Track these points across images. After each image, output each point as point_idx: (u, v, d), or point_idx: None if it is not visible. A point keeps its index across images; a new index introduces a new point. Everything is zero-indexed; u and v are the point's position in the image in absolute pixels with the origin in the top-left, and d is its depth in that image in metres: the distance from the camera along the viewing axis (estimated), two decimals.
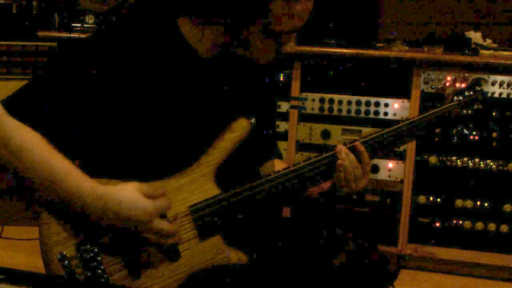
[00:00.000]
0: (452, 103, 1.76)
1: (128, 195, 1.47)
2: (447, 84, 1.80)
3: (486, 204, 3.13)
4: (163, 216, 1.51)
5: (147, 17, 1.59)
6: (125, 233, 1.49)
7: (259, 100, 1.76)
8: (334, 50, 3.18)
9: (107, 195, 1.47)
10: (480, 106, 1.77)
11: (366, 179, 1.69)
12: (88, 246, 1.51)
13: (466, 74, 1.82)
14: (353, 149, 1.67)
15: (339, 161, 1.65)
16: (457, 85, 1.79)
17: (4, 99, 1.54)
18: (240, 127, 1.62)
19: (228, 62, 1.61)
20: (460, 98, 1.77)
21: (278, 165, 1.80)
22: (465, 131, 1.78)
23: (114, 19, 1.62)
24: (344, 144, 1.68)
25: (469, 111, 1.77)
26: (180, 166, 1.59)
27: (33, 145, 1.46)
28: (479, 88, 1.78)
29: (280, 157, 1.90)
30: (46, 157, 1.46)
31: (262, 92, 1.79)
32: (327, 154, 1.67)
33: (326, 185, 1.72)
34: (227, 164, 1.62)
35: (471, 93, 1.78)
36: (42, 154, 1.46)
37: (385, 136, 1.71)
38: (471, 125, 1.78)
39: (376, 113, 3.17)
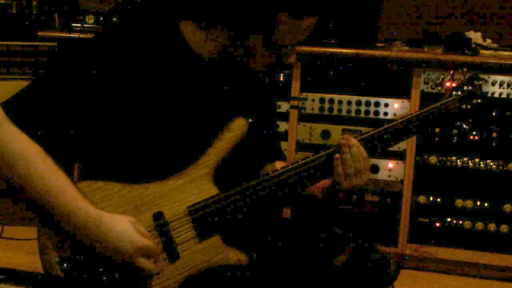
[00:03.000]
0: (451, 98, 1.76)
1: (120, 225, 1.46)
2: (446, 79, 1.79)
3: (486, 204, 3.13)
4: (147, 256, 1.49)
5: (149, 20, 1.59)
6: (111, 259, 1.48)
7: (259, 100, 1.76)
8: (334, 50, 3.18)
9: (101, 218, 1.45)
10: (479, 101, 1.77)
11: (367, 174, 1.68)
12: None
13: (465, 69, 1.80)
14: (352, 144, 1.66)
15: (337, 155, 1.64)
16: (456, 80, 1.79)
17: (5, 101, 1.53)
18: (238, 127, 1.62)
19: (228, 64, 1.61)
20: (459, 92, 1.77)
21: (280, 166, 1.79)
22: (464, 126, 1.77)
23: (115, 20, 1.62)
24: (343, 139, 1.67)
25: (468, 106, 1.76)
26: (179, 167, 1.58)
27: (29, 155, 1.42)
28: (478, 82, 1.78)
29: (284, 159, 1.89)
30: (41, 170, 1.43)
31: (262, 92, 1.78)
32: (324, 152, 1.66)
33: (326, 183, 1.71)
34: (227, 164, 1.62)
35: (470, 87, 1.77)
36: (38, 166, 1.42)
37: (384, 133, 1.71)
38: (470, 120, 1.78)
39: (376, 113, 3.16)
